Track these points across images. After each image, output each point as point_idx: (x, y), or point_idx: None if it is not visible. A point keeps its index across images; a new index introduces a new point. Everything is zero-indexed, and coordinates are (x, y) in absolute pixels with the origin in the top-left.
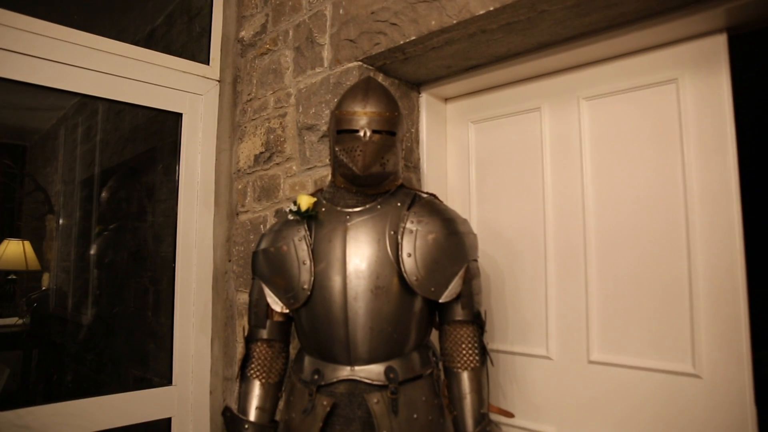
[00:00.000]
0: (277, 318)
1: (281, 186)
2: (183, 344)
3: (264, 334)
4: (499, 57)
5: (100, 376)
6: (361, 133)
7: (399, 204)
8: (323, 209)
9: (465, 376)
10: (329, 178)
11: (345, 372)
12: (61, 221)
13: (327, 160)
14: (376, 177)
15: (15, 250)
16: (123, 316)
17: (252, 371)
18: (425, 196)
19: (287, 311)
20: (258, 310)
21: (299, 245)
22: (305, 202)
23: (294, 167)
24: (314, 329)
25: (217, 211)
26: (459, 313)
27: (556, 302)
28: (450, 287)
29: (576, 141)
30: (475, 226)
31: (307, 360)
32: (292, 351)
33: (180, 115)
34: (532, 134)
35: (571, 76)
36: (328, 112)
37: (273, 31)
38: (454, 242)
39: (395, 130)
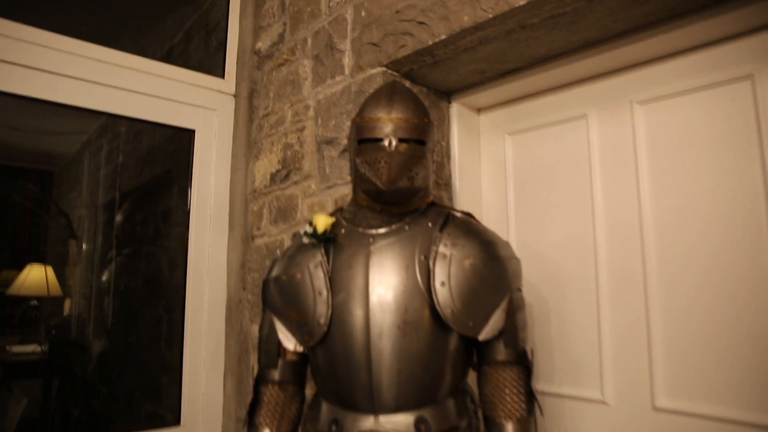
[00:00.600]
0: (290, 357)
1: (299, 206)
2: (193, 381)
3: (275, 375)
4: (539, 59)
5: (113, 410)
6: (386, 143)
7: (430, 224)
8: (343, 231)
9: (509, 429)
10: (350, 196)
11: (368, 423)
12: (84, 246)
13: (348, 177)
14: (404, 193)
15: (37, 276)
16: (137, 347)
17: (261, 418)
18: (459, 215)
19: (301, 349)
20: (269, 348)
21: (315, 273)
22: (322, 222)
23: (312, 186)
24: (332, 371)
25: (232, 234)
26: (501, 353)
27: (611, 337)
28: (491, 322)
29: (630, 151)
30: (514, 250)
31: (325, 407)
32: (309, 393)
33: (193, 131)
34: (578, 145)
35: (623, 77)
36: (349, 123)
37: (291, 40)
38: (494, 269)
39: (425, 138)
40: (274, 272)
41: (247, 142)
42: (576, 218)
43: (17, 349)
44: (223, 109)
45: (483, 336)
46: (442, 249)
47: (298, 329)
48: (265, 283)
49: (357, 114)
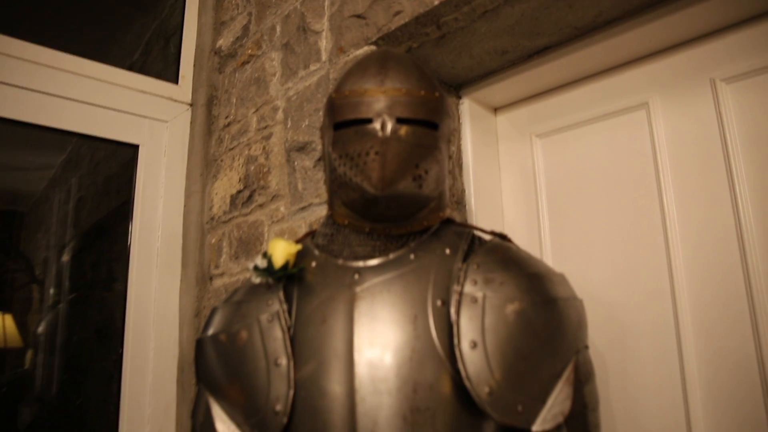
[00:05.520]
0: None
1: (265, 236)
2: None
3: None
4: (582, 29)
5: None
6: (377, 124)
7: (448, 251)
8: (314, 264)
9: None
10: (326, 213)
11: None
12: (46, 291)
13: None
14: (406, 201)
15: None
16: (85, 410)
17: None
18: (489, 237)
19: None
20: None
21: (269, 330)
22: (281, 251)
23: (282, 208)
24: None
25: (185, 274)
26: None
27: (705, 409)
28: (550, 403)
29: (716, 144)
30: None
31: None
32: None
33: (136, 147)
34: (638, 142)
35: (701, 49)
36: None
37: (256, 31)
38: (551, 317)
39: (436, 119)
40: (212, 327)
41: (205, 159)
42: (641, 242)
43: None
44: (175, 121)
45: (539, 426)
46: (469, 289)
47: (245, 419)
48: (199, 345)
49: (333, 90)
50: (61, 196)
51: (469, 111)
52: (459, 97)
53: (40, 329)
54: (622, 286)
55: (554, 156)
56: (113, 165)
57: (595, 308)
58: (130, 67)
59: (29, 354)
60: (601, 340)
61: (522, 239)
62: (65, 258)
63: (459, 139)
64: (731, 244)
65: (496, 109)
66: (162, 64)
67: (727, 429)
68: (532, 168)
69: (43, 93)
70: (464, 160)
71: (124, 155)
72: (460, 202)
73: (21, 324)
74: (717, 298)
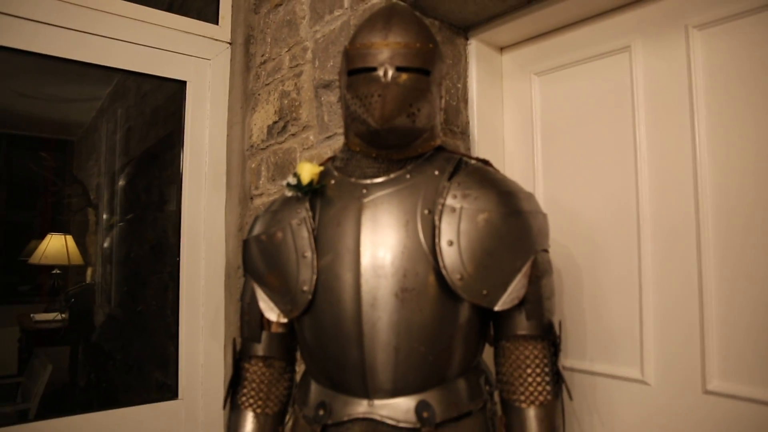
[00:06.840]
0: (275, 329)
1: (297, 161)
2: (191, 352)
3: (259, 349)
4: None
5: (127, 378)
6: (381, 72)
7: (437, 172)
8: (333, 182)
9: (531, 415)
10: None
11: (360, 408)
12: (101, 215)
13: None
14: (402, 133)
15: (57, 245)
16: (146, 315)
17: (244, 398)
18: (473, 162)
19: (285, 321)
20: (250, 319)
21: (298, 231)
22: (307, 172)
23: (311, 137)
24: (320, 347)
25: (229, 195)
26: (522, 326)
27: (655, 308)
28: (510, 290)
29: (683, 87)
30: (541, 205)
31: (314, 388)
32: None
33: (184, 83)
34: (619, 82)
35: None
36: None
37: None
38: (515, 225)
39: (429, 67)
40: (255, 230)
41: (244, 93)
42: (615, 169)
43: (39, 317)
44: (217, 59)
45: (500, 306)
46: (450, 201)
47: (280, 298)
48: (245, 244)
49: (348, 42)
50: (109, 126)
51: (476, 51)
52: (467, 39)
53: (104, 246)
54: (598, 205)
55: (549, 92)
56: (159, 97)
57: (577, 225)
58: (170, 7)
59: (90, 270)
60: (578, 251)
61: (519, 165)
62: (120, 183)
63: (465, 76)
64: (687, 174)
65: (502, 49)
66: (201, 3)
67: (671, 326)
68: (530, 103)
69: (100, 36)
70: (469, 95)
71: (169, 89)
72: (465, 133)
73: (80, 244)
74: (669, 210)
